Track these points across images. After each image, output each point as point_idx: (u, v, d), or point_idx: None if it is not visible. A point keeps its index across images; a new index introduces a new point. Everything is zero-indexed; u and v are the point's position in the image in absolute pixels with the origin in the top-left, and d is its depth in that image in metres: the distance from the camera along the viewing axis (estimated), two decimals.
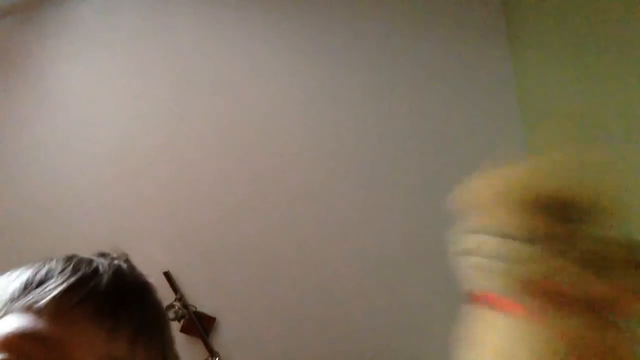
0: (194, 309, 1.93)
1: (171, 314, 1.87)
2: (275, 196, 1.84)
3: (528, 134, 1.80)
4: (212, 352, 1.95)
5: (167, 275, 1.91)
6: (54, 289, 0.49)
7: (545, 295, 0.49)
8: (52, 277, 0.51)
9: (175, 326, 1.92)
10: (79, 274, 0.52)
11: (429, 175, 1.85)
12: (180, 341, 1.99)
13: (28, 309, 0.48)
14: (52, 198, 1.93)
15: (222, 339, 2.00)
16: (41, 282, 0.51)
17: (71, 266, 0.53)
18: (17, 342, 0.45)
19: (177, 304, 1.89)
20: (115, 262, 0.58)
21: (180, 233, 1.91)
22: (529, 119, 1.76)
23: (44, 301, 0.48)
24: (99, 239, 1.92)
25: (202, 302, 1.94)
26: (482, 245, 0.56)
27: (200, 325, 1.94)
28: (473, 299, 0.59)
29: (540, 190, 0.54)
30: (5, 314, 0.49)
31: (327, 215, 1.79)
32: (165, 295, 1.91)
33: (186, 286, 1.94)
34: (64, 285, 0.50)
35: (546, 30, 1.50)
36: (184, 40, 1.86)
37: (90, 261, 0.55)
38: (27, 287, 0.51)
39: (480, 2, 1.74)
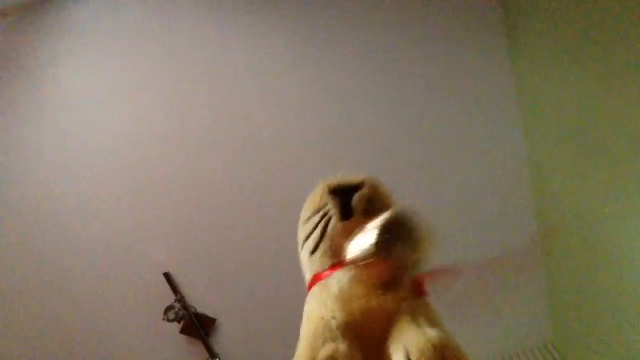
0: (194, 310, 1.93)
1: (171, 315, 1.87)
2: (276, 197, 1.84)
3: (528, 135, 1.80)
4: (212, 353, 1.95)
5: (167, 276, 1.90)
6: None
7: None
8: None
9: (175, 327, 1.92)
10: None
11: (431, 175, 1.85)
12: (181, 342, 1.99)
13: None
14: (52, 199, 1.93)
15: (222, 339, 2.00)
16: None
17: None
18: None
19: (177, 305, 1.88)
20: None
21: (180, 234, 1.91)
22: (529, 120, 1.77)
23: None
24: (99, 239, 1.92)
25: (202, 303, 1.94)
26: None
27: (200, 327, 1.94)
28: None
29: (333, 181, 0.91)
30: None
31: None
32: (165, 297, 1.92)
33: (186, 287, 1.93)
34: None
35: (545, 34, 1.50)
36: (184, 40, 1.86)
37: None
38: None
39: (480, 6, 1.75)
